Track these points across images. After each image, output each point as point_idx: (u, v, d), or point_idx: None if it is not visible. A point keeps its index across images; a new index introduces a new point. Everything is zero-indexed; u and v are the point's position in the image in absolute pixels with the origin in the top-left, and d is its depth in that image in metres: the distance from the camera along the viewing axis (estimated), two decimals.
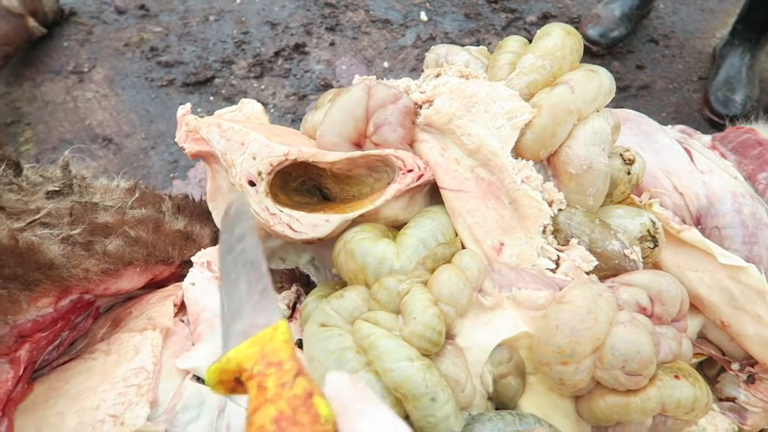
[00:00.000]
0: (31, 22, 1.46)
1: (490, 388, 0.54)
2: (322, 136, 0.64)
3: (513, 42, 0.68)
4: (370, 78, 0.68)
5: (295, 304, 0.68)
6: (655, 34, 1.78)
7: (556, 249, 0.59)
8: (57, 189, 0.66)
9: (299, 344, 0.60)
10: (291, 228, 0.61)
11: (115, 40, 1.62)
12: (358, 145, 0.65)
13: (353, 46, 1.72)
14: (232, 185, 0.70)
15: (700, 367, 0.70)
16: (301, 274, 0.74)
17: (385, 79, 1.67)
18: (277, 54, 1.66)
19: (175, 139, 0.77)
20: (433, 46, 0.74)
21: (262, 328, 0.37)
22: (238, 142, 0.62)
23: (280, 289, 0.70)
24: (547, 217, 0.58)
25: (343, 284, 0.66)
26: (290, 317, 0.65)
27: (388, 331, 0.52)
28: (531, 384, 0.56)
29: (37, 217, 0.54)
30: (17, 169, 0.69)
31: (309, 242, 0.63)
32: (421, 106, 0.65)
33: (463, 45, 1.75)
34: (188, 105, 0.79)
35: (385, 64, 1.70)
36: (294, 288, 0.70)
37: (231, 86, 1.60)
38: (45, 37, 1.55)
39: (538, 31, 0.67)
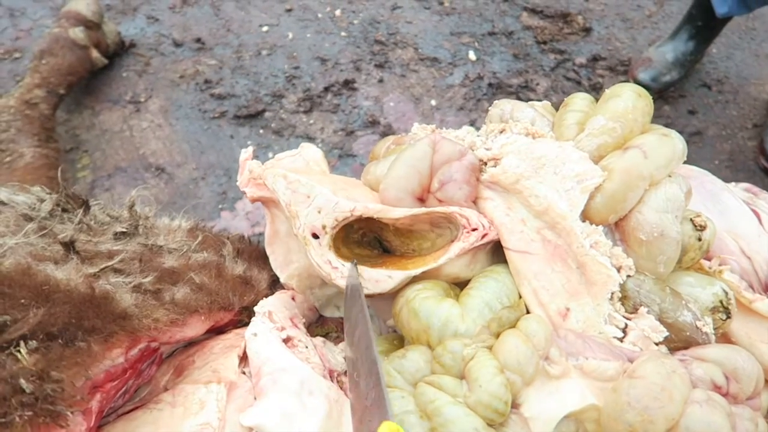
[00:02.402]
0: (95, 54, 1.52)
1: None
2: (386, 191, 0.64)
3: (580, 100, 0.68)
4: (435, 132, 0.68)
5: None
6: (708, 79, 1.75)
7: (624, 317, 0.57)
8: (124, 230, 0.68)
9: None
10: None
11: (171, 72, 1.67)
12: (422, 200, 0.65)
13: (401, 83, 1.74)
14: (295, 234, 0.71)
15: None
16: None
17: (433, 117, 1.68)
18: (326, 89, 1.69)
19: (237, 183, 0.78)
20: (496, 101, 0.74)
21: None
22: (305, 194, 0.63)
23: (336, 340, 0.70)
24: (615, 283, 0.57)
25: (400, 339, 0.66)
26: (346, 371, 0.65)
27: (452, 396, 0.51)
28: None
29: (111, 263, 0.55)
30: (86, 207, 0.71)
31: (369, 296, 0.62)
32: (486, 163, 0.65)
33: (510, 85, 1.76)
34: (251, 149, 0.80)
35: (433, 102, 1.71)
36: None
37: (281, 120, 1.63)
38: (105, 68, 1.60)
39: (606, 91, 0.66)
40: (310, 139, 1.60)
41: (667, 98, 1.69)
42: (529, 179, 0.60)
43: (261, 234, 1.41)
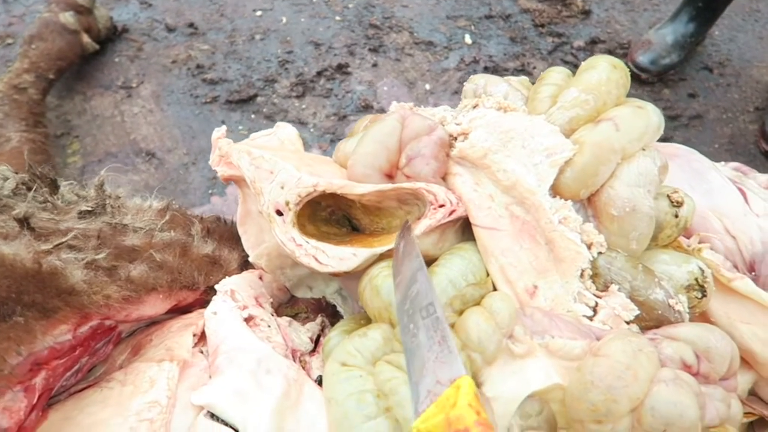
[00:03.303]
0: (85, 39, 1.51)
1: None
2: (353, 167, 0.62)
3: (555, 74, 0.66)
4: (405, 107, 0.66)
5: (318, 336, 0.66)
6: (710, 62, 1.71)
7: (594, 295, 0.55)
8: (90, 209, 0.66)
9: (320, 381, 0.58)
10: (317, 260, 0.59)
11: (164, 57, 1.66)
12: (390, 177, 0.63)
13: (396, 67, 1.72)
14: (260, 212, 0.70)
15: (751, 427, 0.65)
16: (327, 304, 0.73)
17: (427, 102, 1.65)
18: (319, 74, 1.67)
19: (209, 162, 0.77)
20: (471, 76, 0.72)
21: (446, 386, 0.38)
22: (267, 170, 0.61)
23: (305, 320, 0.68)
24: (585, 260, 0.55)
25: (368, 318, 0.64)
26: (313, 351, 0.63)
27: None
28: None
29: (64, 239, 0.54)
30: (54, 186, 0.70)
31: (335, 275, 0.61)
32: (456, 138, 0.62)
33: (507, 69, 1.73)
34: (223, 128, 0.79)
35: (427, 87, 1.69)
36: (319, 319, 0.68)
37: (273, 105, 1.61)
38: (97, 53, 1.59)
39: (582, 63, 0.64)
40: (302, 123, 1.58)
41: (667, 81, 1.65)
42: (496, 153, 0.58)
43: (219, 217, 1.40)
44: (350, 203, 0.64)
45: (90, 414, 0.47)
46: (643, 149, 0.57)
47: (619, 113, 0.57)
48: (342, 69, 1.68)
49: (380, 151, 0.62)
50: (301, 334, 0.63)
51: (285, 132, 0.78)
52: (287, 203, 0.60)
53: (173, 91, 1.60)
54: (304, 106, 1.62)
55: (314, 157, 0.68)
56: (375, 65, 1.70)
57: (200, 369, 0.52)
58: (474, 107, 0.65)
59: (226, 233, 0.76)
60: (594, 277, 0.56)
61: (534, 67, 1.72)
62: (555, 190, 0.57)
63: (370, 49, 1.73)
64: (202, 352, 0.55)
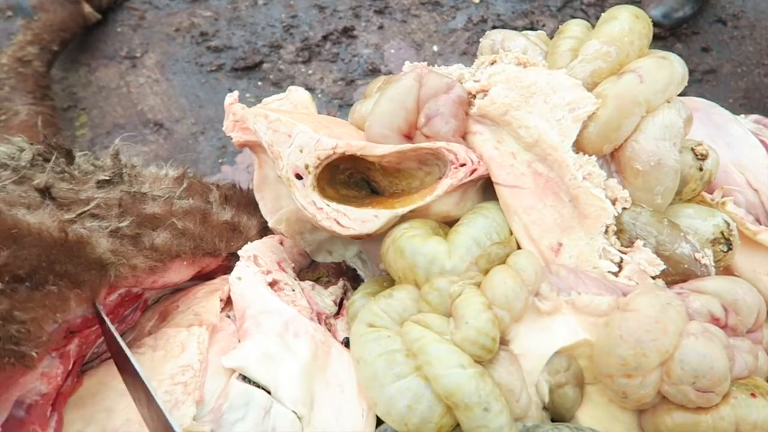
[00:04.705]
0: (87, 8, 1.48)
1: (546, 399, 0.51)
2: (371, 128, 0.61)
3: (574, 26, 0.64)
4: (421, 65, 0.65)
5: (341, 299, 0.66)
6: (723, 14, 1.67)
7: (619, 251, 0.55)
8: (107, 178, 0.66)
9: (347, 342, 0.59)
10: (338, 223, 0.59)
11: (166, 26, 1.63)
12: (409, 137, 0.62)
13: (402, 29, 1.69)
14: (279, 176, 0.69)
15: None
16: (347, 268, 0.73)
17: (435, 64, 1.63)
18: (325, 38, 1.64)
19: (223, 128, 0.76)
20: (487, 32, 0.70)
21: None
22: (285, 133, 0.60)
23: (326, 284, 0.69)
24: (610, 216, 0.54)
25: (391, 280, 0.64)
26: (337, 314, 0.63)
27: (438, 335, 0.50)
28: (589, 395, 0.52)
29: (87, 208, 0.54)
30: (69, 157, 0.69)
31: (357, 237, 0.61)
32: (474, 96, 0.61)
33: (516, 28, 1.70)
34: (236, 93, 0.78)
35: (435, 48, 1.66)
36: (341, 283, 0.68)
37: (279, 71, 1.59)
38: (99, 23, 1.57)
39: (602, 15, 0.62)
40: (310, 89, 1.56)
41: (680, 35, 1.61)
42: (518, 110, 0.57)
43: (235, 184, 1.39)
44: (369, 165, 0.64)
45: None
46: (668, 101, 0.56)
47: (642, 64, 0.55)
48: (348, 32, 1.65)
49: (398, 110, 0.61)
50: (325, 297, 0.64)
51: (298, 95, 0.77)
52: (306, 166, 0.59)
53: (178, 60, 1.58)
54: (310, 72, 1.59)
55: (331, 119, 0.67)
56: (381, 27, 1.67)
57: (229, 333, 0.53)
58: (491, 63, 0.64)
59: (244, 200, 0.76)
60: (618, 233, 0.55)
61: (543, 25, 1.69)
62: (577, 146, 0.56)
63: (375, 11, 1.70)
64: (228, 317, 0.55)
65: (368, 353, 0.51)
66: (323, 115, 0.73)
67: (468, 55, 1.64)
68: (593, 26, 0.64)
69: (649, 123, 0.55)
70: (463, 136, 0.62)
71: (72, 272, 0.45)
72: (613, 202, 0.55)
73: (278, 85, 1.57)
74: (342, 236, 0.64)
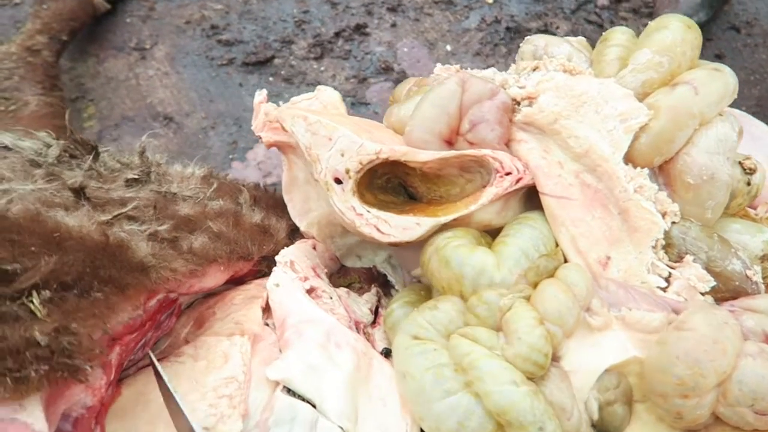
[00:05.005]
0: None
1: (594, 416, 0.50)
2: (412, 132, 0.60)
3: (620, 34, 0.63)
4: (462, 71, 0.63)
5: (377, 308, 0.65)
6: (737, 22, 1.66)
7: (668, 266, 0.54)
8: (136, 177, 0.64)
9: (386, 353, 0.58)
10: (378, 230, 0.58)
11: (177, 17, 1.60)
12: (449, 143, 0.61)
13: (415, 27, 1.67)
14: (312, 178, 0.68)
15: None
16: (378, 273, 0.71)
17: (448, 63, 1.62)
18: (337, 35, 1.62)
19: (252, 127, 0.75)
20: (528, 37, 0.69)
21: None
22: (326, 136, 0.59)
23: (359, 290, 0.67)
24: (660, 230, 0.53)
25: (427, 289, 0.63)
26: (373, 323, 0.62)
27: (488, 349, 0.49)
28: (638, 412, 0.51)
29: (124, 210, 0.52)
30: (95, 153, 0.67)
31: (395, 245, 0.59)
32: (519, 103, 0.60)
33: (529, 29, 1.68)
34: (264, 92, 0.76)
35: (448, 48, 1.64)
36: (374, 290, 0.67)
37: (291, 67, 1.57)
38: (109, 13, 1.54)
39: (650, 23, 0.61)
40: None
41: None
42: (568, 119, 0.55)
43: (273, 184, 1.37)
44: (407, 171, 0.62)
45: None
46: (720, 114, 0.55)
47: (696, 76, 0.54)
48: (360, 29, 1.63)
49: (440, 115, 0.59)
50: (361, 305, 0.62)
51: (327, 95, 0.76)
52: (347, 171, 0.58)
53: (188, 53, 1.56)
54: (322, 69, 1.57)
55: (369, 122, 0.66)
56: (394, 25, 1.65)
57: (270, 343, 0.51)
58: (534, 70, 0.63)
59: (271, 201, 0.74)
60: (667, 247, 0.54)
61: (557, 27, 1.67)
62: (627, 158, 0.55)
63: (388, 9, 1.68)
64: (268, 325, 0.54)
65: (415, 367, 0.50)
66: (358, 117, 0.72)
67: (481, 55, 1.63)
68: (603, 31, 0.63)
69: (702, 136, 0.54)
70: (507, 144, 0.60)
71: (116, 277, 0.44)
72: (662, 215, 0.54)
73: (290, 81, 1.55)
74: (378, 242, 0.62)
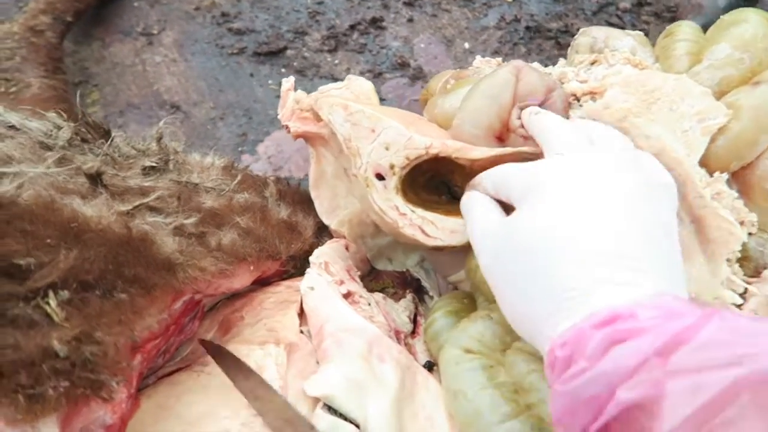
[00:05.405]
0: None
1: None
2: (461, 126, 0.55)
3: (686, 28, 0.58)
4: (515, 61, 0.58)
5: (415, 315, 0.59)
6: None
7: (744, 281, 0.49)
8: (154, 165, 0.59)
9: (429, 367, 0.52)
10: (423, 232, 0.52)
11: (186, 3, 1.55)
12: (500, 139, 0.56)
13: (432, 23, 1.62)
14: (342, 173, 0.62)
15: None
16: (411, 278, 0.66)
17: (467, 61, 1.56)
18: (352, 27, 1.57)
19: (278, 116, 0.69)
20: (584, 28, 0.64)
21: None
22: (368, 128, 0.53)
23: (393, 296, 0.62)
24: (738, 242, 0.48)
25: (469, 296, 0.58)
26: (412, 332, 0.57)
27: None
28: None
29: (147, 200, 0.47)
30: (108, 138, 0.62)
31: (440, 249, 0.54)
32: (579, 98, 0.55)
33: (550, 30, 1.64)
34: (292, 79, 0.71)
35: (466, 45, 1.59)
36: (410, 296, 0.62)
37: (303, 59, 1.51)
38: None
39: (724, 17, 0.56)
40: (336, 80, 1.49)
41: None
42: (639, 116, 0.50)
43: (285, 179, 1.32)
44: (453, 168, 0.57)
45: (190, 404, 0.41)
46: None
47: None
48: (376, 23, 1.58)
49: (491, 107, 0.54)
50: (399, 312, 0.57)
51: (358, 84, 0.71)
52: (392, 167, 0.52)
53: (197, 41, 1.50)
54: (336, 62, 1.52)
55: (411, 114, 0.61)
56: (410, 20, 1.60)
57: (306, 353, 0.46)
58: (592, 64, 0.58)
59: (297, 196, 0.69)
60: (742, 260, 0.50)
61: (577, 28, 1.62)
62: (702, 162, 0.50)
63: (404, 3, 1.62)
64: (302, 332, 0.48)
65: (468, 385, 0.44)
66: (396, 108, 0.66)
67: (500, 54, 1.58)
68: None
69: None
70: None
71: (142, 276, 0.38)
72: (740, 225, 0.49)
73: (302, 73, 1.50)
74: (414, 245, 0.57)
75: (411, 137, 0.52)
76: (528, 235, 0.40)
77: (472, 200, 0.49)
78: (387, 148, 0.52)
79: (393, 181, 0.53)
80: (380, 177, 0.54)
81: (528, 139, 0.54)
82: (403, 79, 1.52)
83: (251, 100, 1.43)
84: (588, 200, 0.40)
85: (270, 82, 1.47)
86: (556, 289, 0.37)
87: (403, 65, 1.54)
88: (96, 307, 0.33)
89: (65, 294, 0.33)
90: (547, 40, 1.63)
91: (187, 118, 1.40)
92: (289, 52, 1.51)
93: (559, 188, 0.41)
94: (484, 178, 0.49)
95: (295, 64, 1.50)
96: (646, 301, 0.34)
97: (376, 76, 1.51)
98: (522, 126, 0.54)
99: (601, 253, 0.37)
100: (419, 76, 1.54)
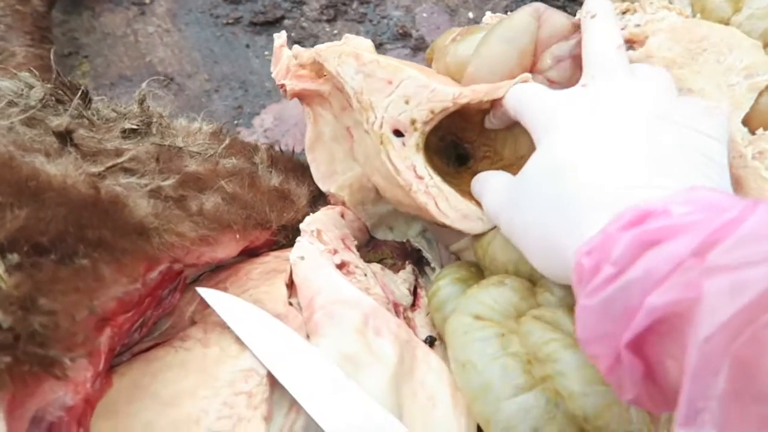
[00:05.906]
0: None
1: None
2: (477, 72, 0.50)
3: None
4: (536, 2, 0.53)
5: (415, 288, 0.55)
6: None
7: None
8: (134, 127, 0.54)
9: (431, 342, 0.48)
10: (436, 204, 0.48)
11: None
12: None
13: None
14: (340, 135, 0.58)
15: None
16: (411, 249, 0.62)
17: None
18: None
19: (272, 74, 0.65)
20: None
21: None
22: (384, 79, 0.48)
23: (392, 267, 0.57)
24: None
25: (476, 264, 0.54)
26: (412, 305, 0.53)
27: (569, 336, 0.39)
28: None
29: (120, 160, 0.42)
30: (86, 99, 0.57)
31: (445, 226, 0.50)
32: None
33: None
34: (283, 34, 0.67)
35: (470, 15, 1.53)
36: (410, 267, 0.57)
37: (301, 29, 1.46)
38: None
39: None
40: None
41: None
42: (682, 67, 0.45)
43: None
44: (465, 125, 0.52)
45: (167, 382, 0.37)
46: None
47: None
48: None
49: (510, 52, 0.49)
50: (398, 284, 0.53)
51: (357, 42, 0.66)
52: (413, 122, 0.48)
53: (191, 10, 1.44)
54: (335, 32, 1.46)
55: (424, 67, 0.56)
56: None
57: (296, 326, 0.41)
58: (624, 12, 0.53)
59: (290, 164, 0.64)
60: None
61: None
62: (744, 121, 0.45)
63: None
64: (291, 304, 0.44)
65: (478, 355, 0.40)
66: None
67: None
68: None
69: None
70: None
71: (108, 240, 0.34)
72: None
73: (300, 44, 1.42)
74: (416, 214, 0.53)
75: (435, 88, 0.47)
76: (549, 162, 0.38)
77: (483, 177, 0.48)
78: (407, 102, 0.47)
79: (414, 138, 0.48)
80: (398, 133, 0.49)
81: (555, 83, 0.49)
82: (405, 50, 1.46)
83: (247, 72, 1.38)
84: (611, 127, 0.37)
85: (266, 53, 1.41)
86: (584, 202, 0.33)
87: (405, 35, 1.48)
88: (49, 272, 0.29)
89: (14, 257, 0.28)
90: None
91: (181, 90, 1.34)
92: (286, 22, 1.45)
93: (579, 123, 0.38)
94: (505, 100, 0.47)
95: (292, 34, 1.44)
96: (679, 197, 0.29)
97: (376, 47, 1.44)
98: (552, 67, 0.49)
99: (631, 163, 0.34)
100: (421, 47, 1.48)
